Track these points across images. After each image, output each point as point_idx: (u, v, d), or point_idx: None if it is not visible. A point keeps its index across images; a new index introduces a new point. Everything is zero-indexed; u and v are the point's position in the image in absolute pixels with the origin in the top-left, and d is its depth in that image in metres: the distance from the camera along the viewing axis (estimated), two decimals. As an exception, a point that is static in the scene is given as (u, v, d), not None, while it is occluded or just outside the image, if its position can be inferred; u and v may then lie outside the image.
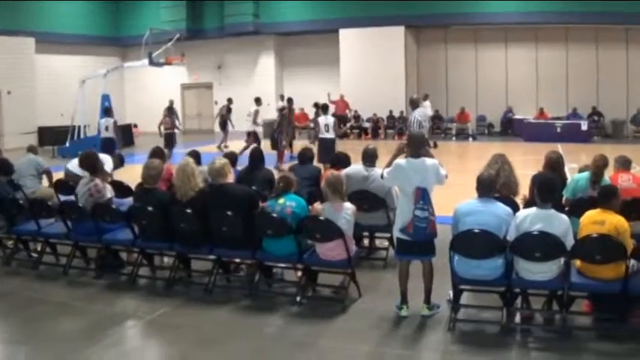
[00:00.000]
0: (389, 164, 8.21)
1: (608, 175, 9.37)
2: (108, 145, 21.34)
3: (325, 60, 35.22)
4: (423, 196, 7.60)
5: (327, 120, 20.17)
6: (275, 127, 22.66)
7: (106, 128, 23.01)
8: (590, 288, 7.29)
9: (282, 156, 21.76)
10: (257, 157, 11.01)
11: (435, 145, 26.95)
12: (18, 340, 7.65)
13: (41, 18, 33.22)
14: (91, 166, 10.20)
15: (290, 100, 25.19)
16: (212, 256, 9.14)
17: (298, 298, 8.42)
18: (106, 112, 24.49)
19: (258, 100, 24.58)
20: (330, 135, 19.84)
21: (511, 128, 32.29)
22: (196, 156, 10.67)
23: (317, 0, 34.16)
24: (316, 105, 26.18)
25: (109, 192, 10.04)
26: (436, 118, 32.20)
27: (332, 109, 26.56)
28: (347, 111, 32.45)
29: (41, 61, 33.00)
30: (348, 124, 32.25)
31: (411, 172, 7.78)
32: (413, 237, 7.71)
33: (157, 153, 11.11)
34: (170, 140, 24.81)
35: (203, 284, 9.04)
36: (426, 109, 19.51)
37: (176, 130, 26.38)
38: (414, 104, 17.17)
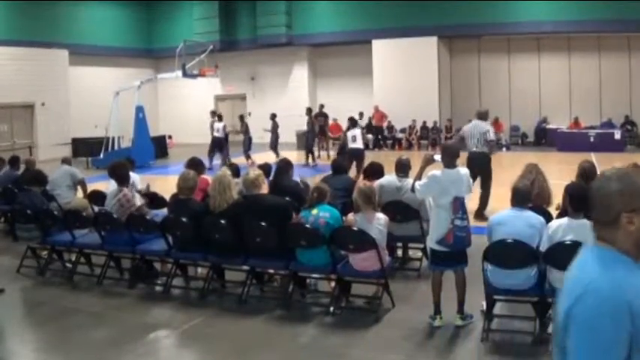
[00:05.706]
0: (418, 177, 8.21)
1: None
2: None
3: (358, 71, 35.11)
4: (461, 206, 7.63)
5: (354, 132, 20.67)
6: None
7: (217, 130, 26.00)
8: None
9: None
10: (280, 167, 11.07)
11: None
12: (53, 350, 7.74)
13: (75, 30, 33.51)
14: (120, 176, 10.24)
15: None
16: (246, 267, 9.17)
17: (332, 309, 8.42)
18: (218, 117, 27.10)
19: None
20: (358, 145, 20.18)
21: (545, 138, 31.96)
22: (235, 169, 10.73)
23: (350, 11, 34.15)
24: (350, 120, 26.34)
25: (138, 200, 10.12)
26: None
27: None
28: (384, 122, 32.63)
29: (75, 73, 33.28)
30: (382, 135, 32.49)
31: (447, 183, 7.77)
32: (452, 247, 7.71)
33: (193, 164, 11.16)
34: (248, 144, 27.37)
35: (237, 294, 9.07)
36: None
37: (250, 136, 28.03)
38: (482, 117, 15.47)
